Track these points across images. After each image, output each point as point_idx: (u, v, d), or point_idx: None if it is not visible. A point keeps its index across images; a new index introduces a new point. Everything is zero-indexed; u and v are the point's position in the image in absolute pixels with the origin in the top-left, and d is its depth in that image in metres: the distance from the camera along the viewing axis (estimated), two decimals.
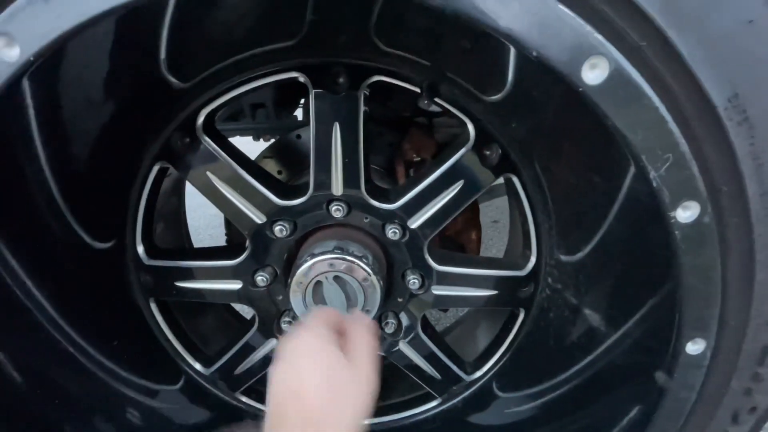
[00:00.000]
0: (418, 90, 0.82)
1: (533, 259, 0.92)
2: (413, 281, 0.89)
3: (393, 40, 0.77)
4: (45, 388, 0.76)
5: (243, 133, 1.31)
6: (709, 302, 0.57)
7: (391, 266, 0.90)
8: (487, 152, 0.85)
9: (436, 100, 0.82)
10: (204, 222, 2.56)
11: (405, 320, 0.94)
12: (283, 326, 0.93)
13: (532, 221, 0.90)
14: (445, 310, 1.67)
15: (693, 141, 0.50)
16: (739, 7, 0.47)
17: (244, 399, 1.00)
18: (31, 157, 0.68)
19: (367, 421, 1.08)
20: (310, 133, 0.82)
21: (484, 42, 0.67)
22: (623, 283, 0.76)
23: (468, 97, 0.81)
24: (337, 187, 0.83)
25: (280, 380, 0.53)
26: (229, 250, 0.96)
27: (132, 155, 0.84)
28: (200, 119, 0.83)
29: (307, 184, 0.84)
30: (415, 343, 0.96)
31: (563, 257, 0.87)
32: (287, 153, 1.09)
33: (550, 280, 0.90)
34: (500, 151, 0.85)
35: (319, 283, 0.81)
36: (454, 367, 0.97)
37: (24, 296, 0.74)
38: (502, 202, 1.46)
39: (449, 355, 0.98)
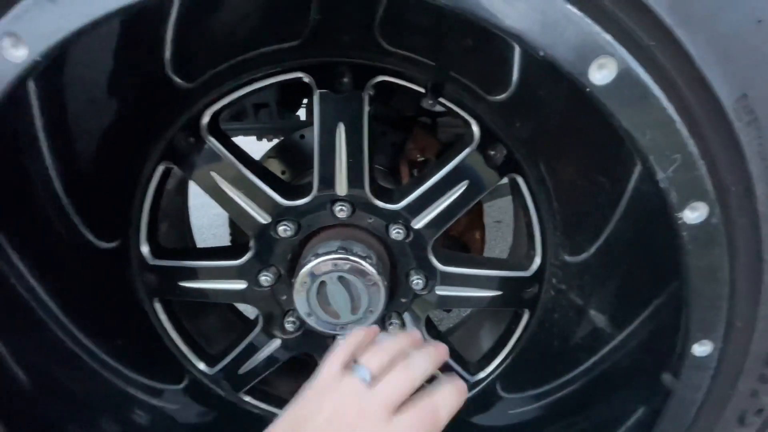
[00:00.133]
0: (422, 90, 0.82)
1: (538, 260, 0.91)
2: (417, 281, 0.89)
3: (397, 40, 0.76)
4: (49, 388, 0.76)
5: (246, 133, 1.31)
6: (716, 303, 0.57)
7: (394, 266, 0.89)
8: (492, 152, 0.85)
9: (441, 99, 0.82)
10: (207, 221, 2.56)
11: (408, 321, 0.94)
12: (287, 326, 0.93)
13: (536, 222, 0.90)
14: (449, 311, 1.67)
15: (701, 141, 0.50)
16: (748, 6, 0.47)
17: (247, 399, 1.00)
18: (36, 157, 0.68)
19: None
20: (313, 133, 0.82)
21: (489, 41, 0.67)
22: (629, 284, 0.76)
23: (473, 97, 0.81)
24: (341, 188, 0.83)
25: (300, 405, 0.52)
26: (233, 250, 0.96)
27: (136, 155, 0.84)
28: (205, 119, 0.83)
29: (311, 185, 0.84)
30: None
31: (568, 258, 0.87)
32: (291, 153, 1.08)
33: (554, 280, 0.90)
34: (505, 151, 0.85)
35: (323, 284, 0.81)
36: (458, 368, 0.97)
37: (28, 295, 0.74)
38: (504, 202, 1.46)
39: (453, 355, 0.97)
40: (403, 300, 0.92)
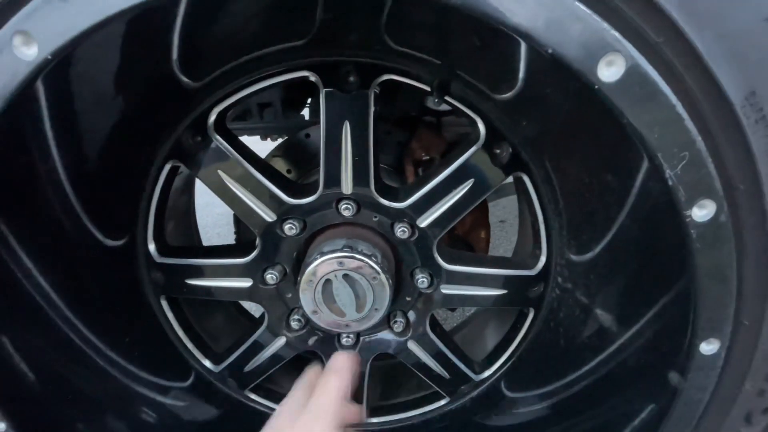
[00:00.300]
0: (428, 88, 0.82)
1: (543, 259, 0.91)
2: (422, 280, 0.89)
3: (403, 39, 0.76)
4: (56, 385, 0.76)
5: (251, 132, 1.31)
6: (723, 302, 0.57)
7: (399, 265, 0.90)
8: (498, 151, 0.85)
9: (447, 98, 0.82)
10: (210, 221, 2.57)
11: (413, 319, 0.94)
12: (293, 324, 0.93)
13: (542, 220, 0.90)
14: (453, 309, 1.66)
15: (709, 139, 0.50)
16: (757, 4, 0.47)
17: (253, 396, 1.00)
18: (44, 155, 0.69)
19: (375, 420, 1.08)
20: (319, 132, 0.82)
21: (495, 40, 0.67)
22: (635, 283, 0.76)
23: (478, 96, 0.81)
24: (347, 186, 0.83)
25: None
26: (240, 248, 0.96)
27: (144, 154, 0.85)
28: (211, 118, 0.83)
29: (316, 183, 0.84)
30: (424, 342, 0.96)
31: (574, 257, 0.86)
32: (296, 152, 1.09)
33: (560, 279, 0.90)
34: (511, 149, 0.85)
35: (328, 282, 0.81)
36: (463, 366, 0.97)
37: (36, 293, 0.74)
38: (509, 201, 1.46)
39: (458, 354, 0.97)
40: (408, 298, 0.92)
